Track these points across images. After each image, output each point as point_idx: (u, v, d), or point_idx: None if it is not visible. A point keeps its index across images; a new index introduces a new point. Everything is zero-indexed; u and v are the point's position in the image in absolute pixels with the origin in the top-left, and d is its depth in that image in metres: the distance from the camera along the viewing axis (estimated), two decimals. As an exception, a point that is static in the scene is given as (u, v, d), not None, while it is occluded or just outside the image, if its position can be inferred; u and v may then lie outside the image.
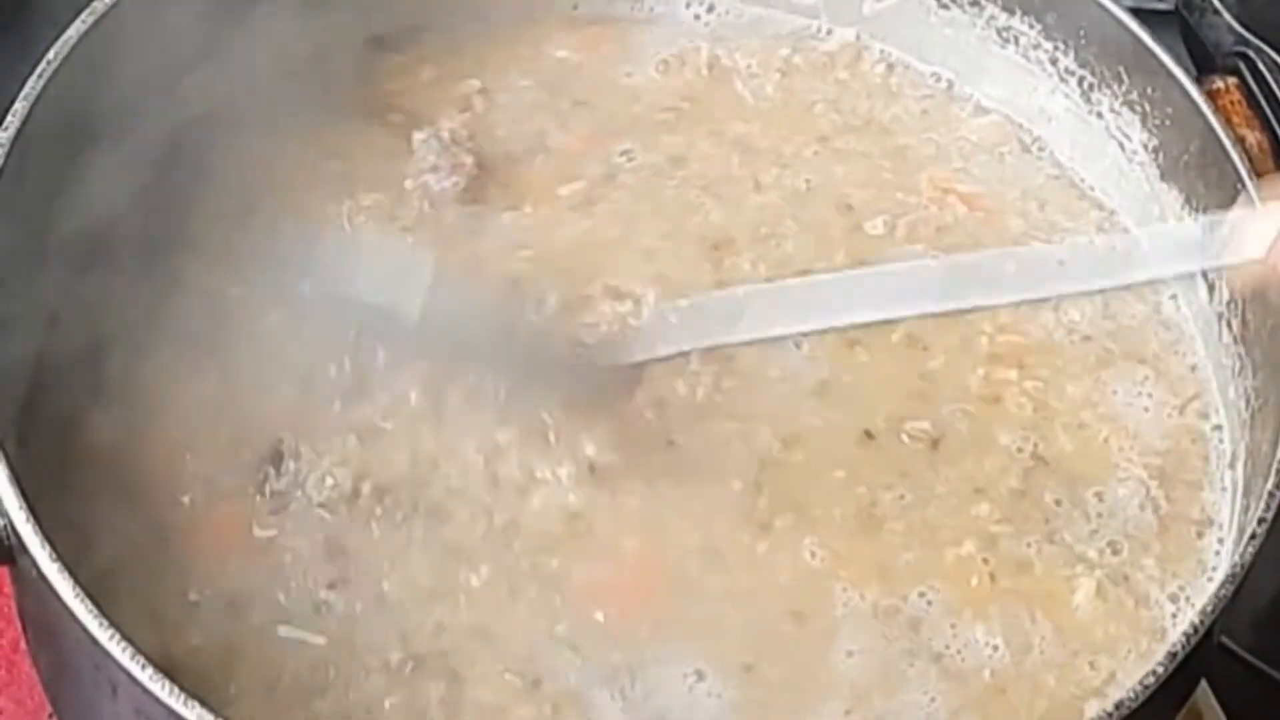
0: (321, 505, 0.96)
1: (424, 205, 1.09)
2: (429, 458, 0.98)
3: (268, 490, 0.97)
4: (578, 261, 1.07)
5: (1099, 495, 1.01)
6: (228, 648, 0.92)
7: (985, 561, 0.97)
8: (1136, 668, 0.94)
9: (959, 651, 0.95)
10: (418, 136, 1.11)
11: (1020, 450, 1.02)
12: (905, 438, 1.02)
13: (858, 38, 1.20)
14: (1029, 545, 0.98)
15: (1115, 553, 0.99)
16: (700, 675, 0.92)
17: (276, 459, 0.97)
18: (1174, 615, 0.97)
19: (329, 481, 0.97)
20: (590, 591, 0.95)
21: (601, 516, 0.97)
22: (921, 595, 0.96)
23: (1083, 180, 1.15)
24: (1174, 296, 1.10)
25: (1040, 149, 1.17)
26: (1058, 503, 1.00)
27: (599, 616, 0.94)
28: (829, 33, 1.21)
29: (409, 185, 1.09)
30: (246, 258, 1.04)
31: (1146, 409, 1.05)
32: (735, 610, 0.95)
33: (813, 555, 0.97)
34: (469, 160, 1.10)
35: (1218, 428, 1.05)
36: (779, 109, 1.17)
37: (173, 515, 0.96)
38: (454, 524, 0.96)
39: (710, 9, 1.22)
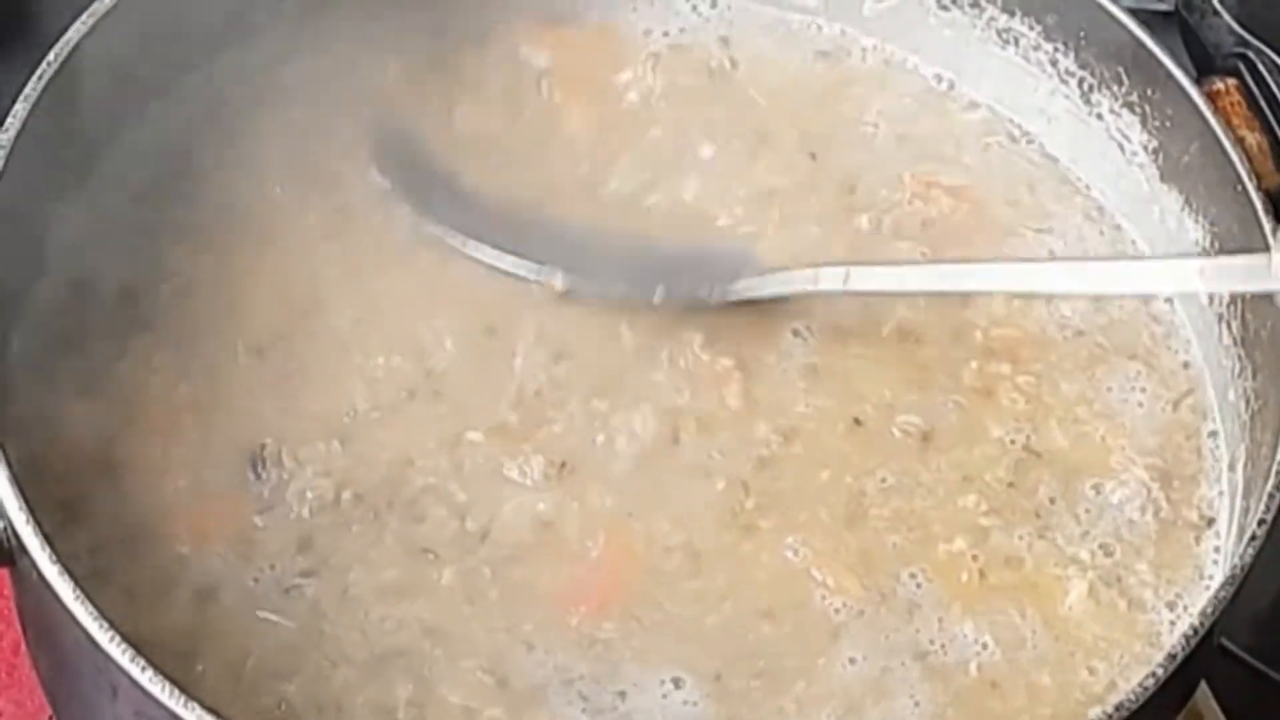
0: (302, 503, 0.97)
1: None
2: (404, 457, 0.99)
3: (250, 487, 0.97)
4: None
5: (1096, 489, 1.01)
6: (197, 629, 0.93)
7: (975, 558, 0.98)
8: (1133, 672, 0.94)
9: (944, 646, 0.95)
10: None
11: (1013, 442, 1.02)
12: (896, 431, 1.02)
13: (842, 32, 1.21)
14: (1020, 539, 0.99)
15: (1108, 554, 0.99)
16: (678, 683, 0.93)
17: (258, 458, 0.98)
18: (1172, 623, 0.97)
19: (310, 480, 0.98)
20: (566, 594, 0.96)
21: (573, 520, 0.98)
22: (912, 576, 0.97)
23: (1072, 174, 1.15)
24: (1169, 300, 1.10)
25: (1029, 141, 1.17)
26: (1051, 500, 1.01)
27: (572, 620, 0.95)
28: (819, 29, 1.21)
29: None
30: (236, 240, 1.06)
31: (1141, 404, 1.05)
32: (714, 612, 0.95)
33: (795, 553, 0.97)
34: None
35: (1213, 434, 1.05)
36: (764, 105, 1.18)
37: (153, 505, 0.97)
38: (428, 523, 0.97)
39: (713, 4, 1.22)
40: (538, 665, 0.93)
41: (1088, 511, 1.00)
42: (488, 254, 1.07)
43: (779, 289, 1.05)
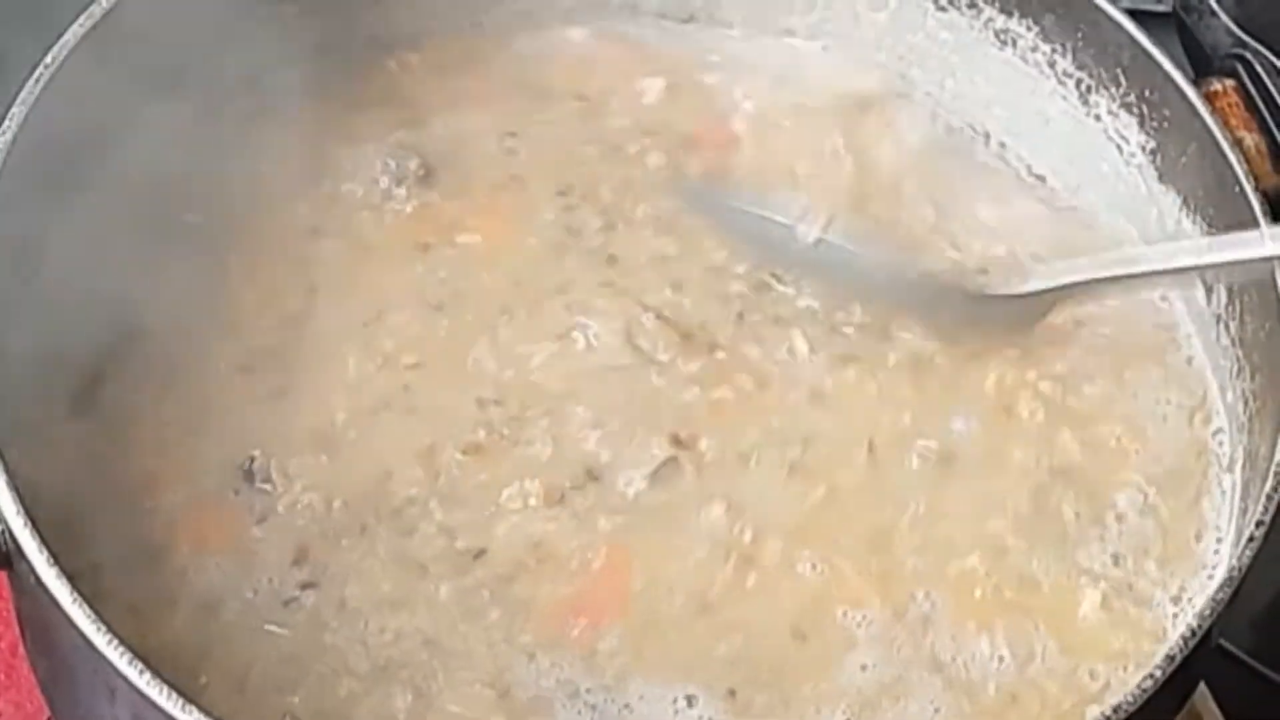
0: (295, 514, 0.97)
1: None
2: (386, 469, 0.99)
3: (243, 499, 0.97)
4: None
5: (1113, 498, 1.01)
6: (201, 643, 0.93)
7: (989, 575, 0.97)
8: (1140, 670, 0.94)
9: (964, 662, 0.95)
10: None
11: (1039, 463, 1.02)
12: (915, 459, 1.02)
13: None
14: (1036, 563, 0.98)
15: (1117, 564, 0.98)
16: (690, 701, 0.92)
17: (248, 472, 0.98)
18: (1175, 615, 0.97)
19: (299, 490, 0.98)
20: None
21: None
22: (927, 595, 0.96)
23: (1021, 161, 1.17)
24: (1164, 298, 1.10)
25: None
26: (1077, 515, 1.00)
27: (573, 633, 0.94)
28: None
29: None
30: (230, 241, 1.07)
31: (1163, 415, 1.05)
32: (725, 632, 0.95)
33: (814, 568, 0.97)
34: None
35: (1218, 431, 1.05)
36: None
37: (151, 520, 0.97)
38: (418, 536, 0.97)
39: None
40: (540, 676, 0.92)
41: (1113, 524, 1.00)
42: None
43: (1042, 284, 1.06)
